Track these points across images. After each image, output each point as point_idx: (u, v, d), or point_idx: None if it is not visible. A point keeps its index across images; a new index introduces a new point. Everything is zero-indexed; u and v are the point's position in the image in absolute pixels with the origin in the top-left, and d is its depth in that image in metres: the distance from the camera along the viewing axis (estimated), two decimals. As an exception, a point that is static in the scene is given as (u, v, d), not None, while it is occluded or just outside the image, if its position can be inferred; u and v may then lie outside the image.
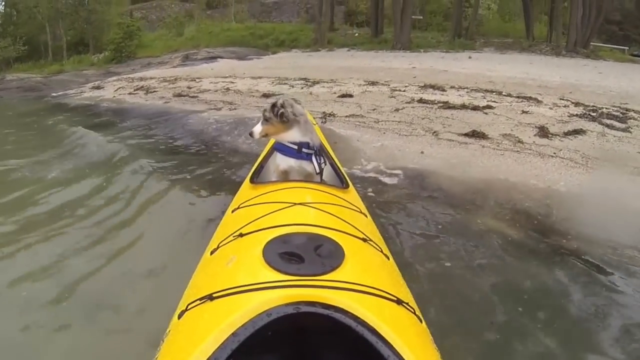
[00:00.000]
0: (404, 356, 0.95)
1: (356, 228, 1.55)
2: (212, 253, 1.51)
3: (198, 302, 1.13)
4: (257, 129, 2.04)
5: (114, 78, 13.86)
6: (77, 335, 2.06)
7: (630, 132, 4.83)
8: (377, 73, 8.93)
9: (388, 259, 1.57)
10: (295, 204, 1.60)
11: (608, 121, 5.16)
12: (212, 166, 4.43)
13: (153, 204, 3.51)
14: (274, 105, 1.97)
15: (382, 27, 19.58)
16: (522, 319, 2.12)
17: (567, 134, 4.58)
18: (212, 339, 0.94)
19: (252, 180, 2.11)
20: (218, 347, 0.91)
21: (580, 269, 2.51)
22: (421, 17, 22.23)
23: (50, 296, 2.31)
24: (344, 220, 1.56)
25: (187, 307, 1.16)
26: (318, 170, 2.08)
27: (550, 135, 4.47)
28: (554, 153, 4.01)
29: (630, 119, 5.38)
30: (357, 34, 20.07)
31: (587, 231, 2.81)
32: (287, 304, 1.01)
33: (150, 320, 1.90)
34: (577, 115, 5.29)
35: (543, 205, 3.14)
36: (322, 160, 2.14)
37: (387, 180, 3.76)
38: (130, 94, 9.97)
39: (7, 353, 1.97)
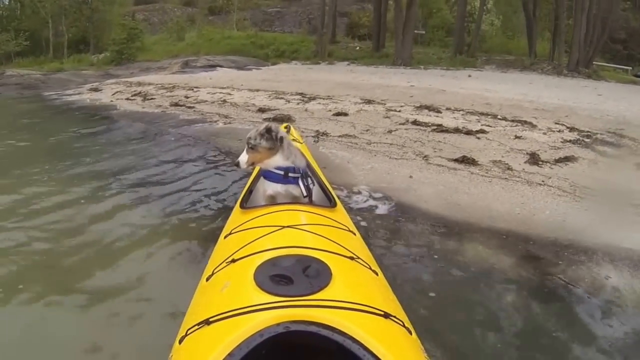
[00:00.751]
0: None
1: (343, 247, 1.60)
2: (207, 280, 1.58)
3: (196, 327, 1.21)
4: (243, 158, 2.06)
5: (113, 81, 13.85)
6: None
7: (624, 161, 4.83)
8: (374, 90, 8.96)
9: (377, 274, 1.62)
10: (283, 227, 1.67)
11: (601, 148, 5.16)
12: (205, 188, 4.29)
13: (141, 230, 3.39)
14: (260, 134, 2.00)
15: (383, 41, 19.68)
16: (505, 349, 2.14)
17: (558, 161, 4.58)
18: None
19: (242, 206, 2.16)
20: None
21: (557, 299, 2.49)
22: (424, 32, 22.37)
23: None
24: (331, 240, 1.62)
25: (186, 332, 1.24)
26: (305, 194, 2.10)
27: (540, 163, 4.47)
28: (542, 181, 4.00)
29: (624, 146, 5.38)
30: (358, 48, 20.21)
31: (565, 261, 2.79)
32: (277, 324, 1.07)
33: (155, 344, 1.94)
34: (570, 141, 5.29)
35: (525, 234, 3.12)
36: (310, 182, 2.17)
37: (373, 203, 3.75)
38: (127, 99, 9.97)
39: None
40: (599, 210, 3.47)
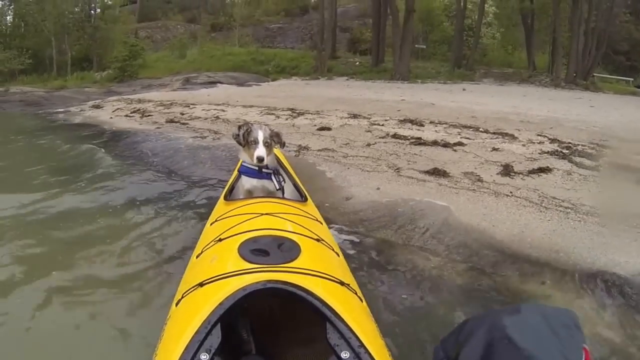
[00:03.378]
0: (341, 316, 1.23)
1: (311, 231, 1.92)
2: (197, 257, 1.85)
3: (191, 290, 1.46)
4: (265, 152, 2.37)
5: (114, 98, 14.10)
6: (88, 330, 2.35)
7: (599, 171, 4.81)
8: (364, 105, 9.04)
9: (338, 255, 1.94)
10: (262, 214, 1.98)
11: (579, 159, 5.14)
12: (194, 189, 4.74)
13: (136, 226, 3.74)
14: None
15: (383, 56, 19.88)
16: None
17: (531, 172, 4.57)
18: (206, 309, 1.23)
19: (225, 198, 2.51)
20: (210, 313, 1.21)
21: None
22: (424, 47, 22.56)
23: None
24: (301, 226, 1.93)
25: (182, 295, 1.49)
26: (278, 187, 2.46)
27: (512, 174, 4.47)
28: (510, 192, 4.01)
29: (603, 156, 5.36)
30: (358, 63, 20.43)
31: (517, 274, 2.80)
32: (257, 282, 1.32)
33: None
34: (548, 152, 5.29)
35: (481, 246, 3.13)
36: (282, 179, 2.54)
37: (333, 213, 3.83)
38: (126, 116, 10.14)
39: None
40: (561, 221, 3.47)
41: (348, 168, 4.88)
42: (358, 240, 3.35)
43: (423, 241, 3.30)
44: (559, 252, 2.97)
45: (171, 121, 8.83)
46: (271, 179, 2.45)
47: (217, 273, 1.45)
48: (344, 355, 1.14)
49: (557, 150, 5.38)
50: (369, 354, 1.15)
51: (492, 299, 2.61)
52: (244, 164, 2.49)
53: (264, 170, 2.42)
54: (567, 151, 5.40)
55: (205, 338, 1.16)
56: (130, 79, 19.61)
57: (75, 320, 2.42)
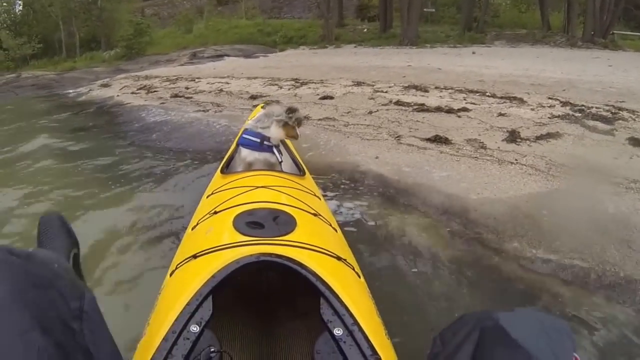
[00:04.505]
0: (336, 291, 1.18)
1: (308, 205, 1.85)
2: (192, 229, 1.81)
3: (185, 261, 1.43)
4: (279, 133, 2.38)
5: (122, 75, 14.03)
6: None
7: (613, 135, 4.52)
8: (369, 73, 8.73)
9: (336, 231, 1.86)
10: (258, 187, 1.91)
11: (592, 123, 4.84)
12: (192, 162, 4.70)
13: (134, 198, 3.80)
14: (291, 110, 2.38)
15: (391, 21, 19.17)
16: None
17: (539, 138, 4.32)
18: (197, 281, 1.20)
19: (222, 171, 2.43)
20: (202, 285, 1.17)
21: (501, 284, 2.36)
22: (433, 10, 21.68)
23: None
24: (298, 199, 1.87)
25: (176, 266, 1.45)
26: (280, 159, 2.39)
27: (518, 140, 4.23)
28: (516, 160, 3.78)
29: (619, 119, 5.03)
30: (366, 30, 19.77)
31: (516, 246, 2.63)
32: (251, 255, 1.28)
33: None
34: (559, 116, 5.00)
35: (481, 216, 2.96)
36: (281, 152, 2.45)
37: (330, 181, 3.72)
38: (132, 93, 10.09)
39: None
40: (568, 190, 3.25)
41: (348, 137, 4.71)
42: (347, 212, 3.21)
43: (420, 212, 3.14)
44: (565, 224, 2.77)
45: (175, 96, 8.74)
46: (273, 152, 2.39)
47: (211, 245, 1.42)
48: (337, 332, 1.10)
49: (568, 114, 5.07)
50: (363, 332, 1.10)
51: (494, 273, 2.47)
52: (244, 136, 2.42)
53: (265, 143, 2.36)
54: (579, 114, 5.09)
55: (196, 310, 1.12)
56: (138, 56, 19.60)
57: None
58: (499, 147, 4.07)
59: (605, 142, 4.29)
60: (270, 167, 2.39)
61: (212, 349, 1.04)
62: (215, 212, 1.75)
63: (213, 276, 1.20)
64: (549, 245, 2.61)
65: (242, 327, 1.66)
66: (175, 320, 1.10)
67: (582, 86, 6.85)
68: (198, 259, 1.40)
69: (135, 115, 7.55)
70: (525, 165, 3.69)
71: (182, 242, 1.84)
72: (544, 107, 5.41)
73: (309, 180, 2.47)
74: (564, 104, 5.55)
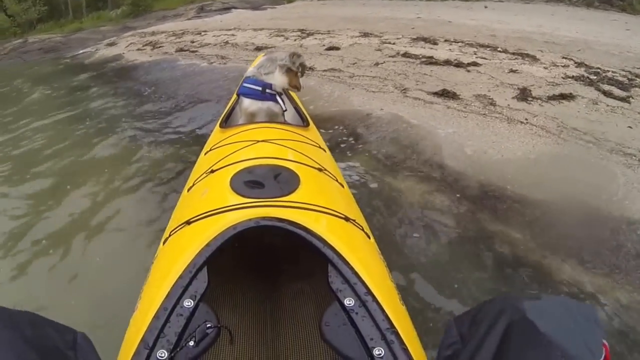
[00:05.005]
0: (345, 257, 1.08)
1: (313, 160, 1.70)
2: (188, 190, 1.69)
3: (178, 228, 1.32)
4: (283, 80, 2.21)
5: (129, 33, 13.47)
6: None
7: (629, 103, 4.29)
8: (377, 24, 8.29)
9: (342, 187, 1.73)
10: (258, 141, 1.77)
11: (607, 87, 4.59)
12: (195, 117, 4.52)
13: (132, 156, 3.70)
14: (295, 54, 2.23)
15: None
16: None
17: (551, 98, 4.10)
18: (191, 250, 1.10)
19: (221, 125, 2.27)
20: (195, 255, 1.08)
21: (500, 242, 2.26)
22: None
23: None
24: (302, 154, 1.72)
25: (169, 234, 1.35)
26: (284, 108, 2.24)
27: (530, 99, 4.01)
28: (526, 119, 3.59)
29: (635, 86, 4.78)
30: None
31: (522, 214, 2.50)
32: (250, 219, 1.16)
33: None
34: (573, 77, 4.74)
35: (487, 177, 2.81)
36: (285, 102, 2.29)
37: (330, 134, 3.52)
38: (138, 49, 9.79)
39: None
40: (581, 156, 3.08)
41: (352, 89, 4.49)
42: (346, 169, 3.05)
43: (422, 171, 2.98)
44: (574, 193, 2.63)
45: (181, 50, 8.50)
46: (276, 101, 2.23)
47: (205, 209, 1.31)
48: (348, 302, 1.00)
49: (583, 76, 4.81)
50: (376, 301, 1.00)
51: (497, 237, 2.36)
52: (245, 84, 2.26)
53: (267, 91, 2.21)
54: (594, 77, 4.83)
55: (189, 283, 1.03)
56: (145, 12, 18.82)
57: (66, 254, 2.40)
58: (508, 105, 3.86)
59: (620, 109, 4.07)
60: (274, 117, 2.24)
61: (208, 325, 0.96)
62: (212, 171, 1.62)
63: (207, 245, 1.11)
64: (554, 215, 2.48)
65: (242, 293, 1.54)
66: (167, 295, 1.01)
67: (598, 48, 6.51)
68: (192, 224, 1.28)
69: (138, 71, 7.37)
70: (535, 125, 3.50)
71: (177, 205, 1.71)
72: (557, 66, 5.13)
73: (313, 132, 2.31)
74: (579, 64, 5.27)
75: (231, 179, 1.43)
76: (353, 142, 3.46)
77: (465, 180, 2.84)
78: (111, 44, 11.89)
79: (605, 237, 2.29)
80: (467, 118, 3.56)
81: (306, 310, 1.47)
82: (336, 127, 3.71)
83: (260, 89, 2.19)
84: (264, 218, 1.18)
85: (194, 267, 1.05)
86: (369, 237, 1.40)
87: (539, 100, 4.03)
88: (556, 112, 3.80)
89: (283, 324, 1.45)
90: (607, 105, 4.09)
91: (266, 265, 1.65)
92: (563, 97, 4.14)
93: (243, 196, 1.32)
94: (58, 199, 3.10)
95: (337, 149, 3.36)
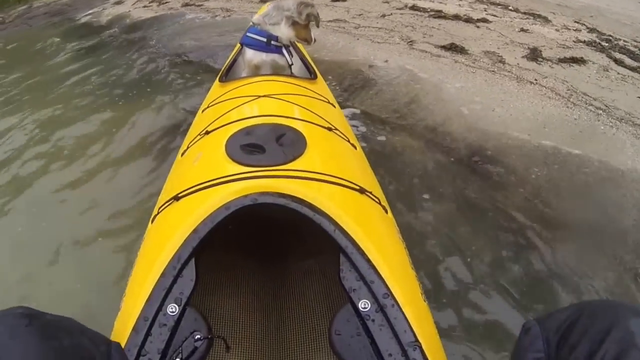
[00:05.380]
0: (360, 245, 0.90)
1: (321, 117, 1.50)
2: (182, 154, 1.51)
3: (166, 204, 1.14)
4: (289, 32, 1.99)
5: None
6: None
7: (640, 73, 4.15)
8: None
9: (355, 148, 1.53)
10: (259, 96, 1.57)
11: (619, 55, 4.42)
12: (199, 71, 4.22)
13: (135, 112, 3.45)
14: (304, 4, 1.99)
15: None
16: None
17: (562, 60, 3.92)
18: (176, 238, 0.92)
19: (220, 79, 2.06)
20: (180, 246, 0.90)
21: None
22: None
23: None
24: (308, 110, 1.53)
25: (158, 210, 1.18)
26: (291, 62, 2.03)
27: (540, 60, 3.83)
28: (535, 79, 3.43)
29: (647, 57, 4.63)
30: None
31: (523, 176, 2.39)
32: (245, 196, 0.98)
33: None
34: (584, 42, 4.54)
35: (493, 136, 2.68)
36: (292, 54, 2.08)
37: (331, 85, 3.31)
38: (145, 7, 9.16)
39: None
40: (590, 122, 2.95)
41: (357, 39, 4.25)
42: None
43: (426, 127, 2.83)
44: (583, 158, 2.52)
45: (186, 5, 8.03)
46: (282, 53, 2.02)
47: (197, 181, 1.11)
48: (363, 306, 0.83)
49: (594, 42, 4.62)
50: (398, 306, 0.81)
51: (500, 202, 2.24)
52: (248, 34, 2.03)
53: (272, 43, 1.99)
54: (606, 44, 4.64)
55: (174, 282, 0.86)
56: None
57: (57, 229, 2.22)
58: (518, 64, 3.68)
59: (631, 79, 3.92)
60: (279, 71, 2.04)
61: (196, 336, 0.81)
62: (207, 132, 1.42)
63: (195, 230, 0.92)
64: (558, 182, 2.37)
65: (237, 284, 1.35)
66: (148, 300, 0.84)
67: (610, 16, 6.28)
68: (181, 200, 1.09)
69: (145, 27, 6.98)
70: (545, 87, 3.35)
71: (170, 172, 1.51)
72: (569, 29, 4.92)
73: (321, 85, 2.09)
74: (591, 30, 5.06)
75: (227, 142, 1.24)
76: (355, 93, 3.27)
77: (470, 138, 2.71)
78: (118, 2, 11.11)
79: (612, 203, 2.22)
80: (476, 74, 3.39)
81: (315, 307, 1.29)
82: (338, 77, 3.50)
83: (264, 40, 1.98)
84: (262, 194, 0.98)
85: (178, 261, 0.88)
86: (386, 211, 1.21)
87: (549, 62, 3.85)
88: (566, 75, 3.64)
89: (287, 327, 1.27)
90: (618, 74, 3.94)
91: (266, 242, 1.47)
92: (574, 60, 3.98)
93: (240, 163, 1.12)
94: (57, 159, 2.91)
95: (337, 100, 3.17)
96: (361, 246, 0.90)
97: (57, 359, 0.59)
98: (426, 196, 2.25)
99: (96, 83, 4.39)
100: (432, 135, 2.76)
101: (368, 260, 0.88)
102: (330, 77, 3.49)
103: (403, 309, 0.82)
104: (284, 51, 2.02)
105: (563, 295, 1.70)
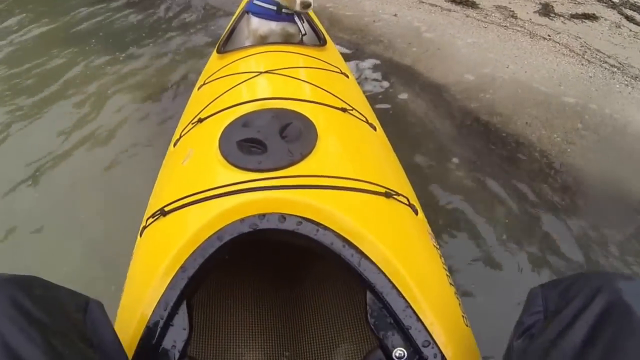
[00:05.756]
0: (393, 279, 0.72)
1: (334, 95, 1.27)
2: (175, 144, 1.30)
3: (152, 218, 0.96)
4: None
5: None
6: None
7: (651, 30, 4.03)
8: None
9: (375, 129, 1.30)
10: (261, 72, 1.35)
11: (630, 12, 4.28)
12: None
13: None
14: None
15: None
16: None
17: (574, 16, 3.79)
18: (163, 273, 0.77)
19: (219, 50, 1.81)
20: (167, 287, 0.75)
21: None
22: None
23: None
24: (318, 87, 1.30)
25: (146, 222, 0.99)
26: (304, 32, 1.83)
27: (552, 15, 3.69)
28: (549, 35, 3.30)
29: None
30: None
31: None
32: (242, 220, 0.79)
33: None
34: (596, -3, 4.38)
35: (509, 94, 2.59)
36: (304, 22, 1.87)
37: (338, 39, 3.16)
38: None
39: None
40: (606, 81, 2.86)
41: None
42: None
43: (440, 83, 2.73)
44: (603, 117, 2.45)
45: None
46: (294, 21, 1.82)
47: (184, 192, 0.92)
48: (398, 354, 0.67)
49: (606, -3, 4.46)
50: (442, 356, 0.67)
51: (515, 159, 2.20)
52: (255, 2, 1.84)
53: (284, 10, 1.79)
54: (617, 0, 4.49)
55: (164, 331, 0.71)
56: None
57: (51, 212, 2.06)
58: (530, 19, 3.54)
59: (644, 35, 3.82)
60: (289, 38, 1.87)
61: None
62: (201, 120, 1.21)
63: (182, 268, 0.75)
64: (577, 142, 2.31)
65: (242, 305, 1.17)
66: (135, 354, 0.70)
67: (619, -29, 6.05)
68: (168, 216, 0.91)
69: None
70: (559, 43, 3.24)
71: (161, 170, 1.28)
72: (580, -16, 4.73)
73: (332, 51, 1.84)
74: (602, -15, 4.87)
75: (221, 135, 1.02)
76: (361, 50, 3.12)
77: (483, 95, 2.62)
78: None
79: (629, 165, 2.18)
80: (488, 29, 3.24)
81: (335, 338, 1.11)
82: (343, 34, 3.33)
83: (274, 7, 1.79)
84: (263, 217, 0.79)
85: (166, 308, 0.72)
86: (416, 212, 0.99)
87: (561, 17, 3.71)
88: (579, 31, 3.53)
89: (303, 341, 1.11)
90: (630, 31, 3.83)
91: (273, 261, 1.29)
92: (586, 16, 3.84)
93: (236, 167, 0.92)
94: (46, 113, 2.75)
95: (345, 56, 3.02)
96: (394, 281, 0.72)
97: (27, 305, 0.58)
98: (441, 157, 2.19)
99: (95, 40, 3.94)
100: (443, 92, 2.67)
101: (405, 300, 0.71)
102: (334, 34, 3.30)
103: (446, 356, 0.68)
104: (296, 19, 1.83)
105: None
